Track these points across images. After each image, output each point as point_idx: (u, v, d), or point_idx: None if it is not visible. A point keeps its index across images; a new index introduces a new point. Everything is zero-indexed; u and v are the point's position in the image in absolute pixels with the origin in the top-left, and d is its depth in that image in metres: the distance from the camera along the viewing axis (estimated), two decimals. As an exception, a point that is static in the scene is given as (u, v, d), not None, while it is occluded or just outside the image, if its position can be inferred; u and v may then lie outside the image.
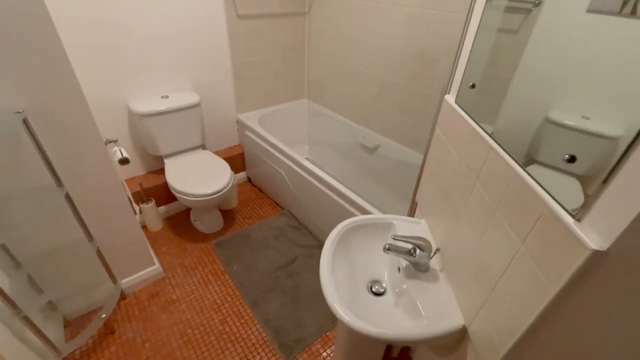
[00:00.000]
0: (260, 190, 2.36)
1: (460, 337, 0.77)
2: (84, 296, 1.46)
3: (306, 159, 1.84)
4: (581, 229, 0.45)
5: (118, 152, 1.47)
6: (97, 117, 1.18)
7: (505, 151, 0.64)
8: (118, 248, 1.44)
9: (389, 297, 0.94)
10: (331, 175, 1.66)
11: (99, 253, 1.31)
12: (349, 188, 1.56)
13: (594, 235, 0.43)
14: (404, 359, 1.30)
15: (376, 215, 1.10)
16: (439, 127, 0.96)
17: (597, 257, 0.42)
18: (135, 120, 1.77)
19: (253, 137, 2.13)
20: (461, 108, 0.83)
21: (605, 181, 0.42)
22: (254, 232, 1.97)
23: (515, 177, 0.59)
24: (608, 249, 0.41)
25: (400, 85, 1.76)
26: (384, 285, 0.97)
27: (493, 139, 0.69)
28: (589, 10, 0.53)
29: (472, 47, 0.81)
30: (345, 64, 2.04)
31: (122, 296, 1.55)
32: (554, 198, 0.51)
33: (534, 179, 0.56)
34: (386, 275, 0.99)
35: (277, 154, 1.95)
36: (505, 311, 0.60)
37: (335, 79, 2.18)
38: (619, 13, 0.46)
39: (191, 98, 1.84)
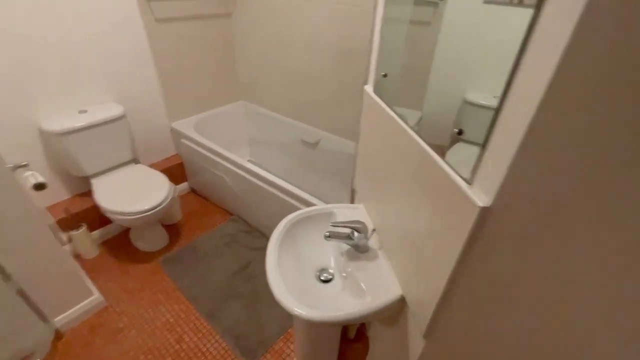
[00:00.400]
0: (206, 199, 2.28)
1: (400, 307, 0.84)
2: (7, 344, 1.28)
3: (249, 161, 1.82)
4: (472, 191, 0.52)
5: (31, 177, 1.31)
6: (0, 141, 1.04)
7: (414, 132, 0.71)
8: (45, 283, 1.30)
9: (337, 282, 0.98)
10: (275, 174, 1.66)
11: (22, 293, 1.17)
12: (293, 184, 1.58)
13: (481, 195, 0.50)
14: (361, 338, 1.37)
15: (318, 206, 1.13)
16: (363, 116, 1.02)
17: (484, 213, 0.49)
18: (51, 140, 1.60)
19: (190, 144, 2.05)
20: (379, 97, 0.90)
21: (484, 147, 0.50)
22: (203, 243, 1.90)
23: (425, 154, 0.66)
24: (491, 205, 0.49)
25: (331, 80, 1.81)
26: (331, 271, 1.00)
27: (404, 122, 0.76)
28: (486, 2, 0.61)
29: (379, 39, 0.87)
30: (277, 62, 2.05)
31: (58, 335, 1.40)
32: (452, 168, 0.58)
33: (437, 154, 0.63)
34: (332, 261, 1.03)
35: (217, 159, 1.89)
36: (429, 275, 0.67)
37: (268, 78, 2.18)
38: (510, 3, 0.54)
39: (114, 110, 1.71)
